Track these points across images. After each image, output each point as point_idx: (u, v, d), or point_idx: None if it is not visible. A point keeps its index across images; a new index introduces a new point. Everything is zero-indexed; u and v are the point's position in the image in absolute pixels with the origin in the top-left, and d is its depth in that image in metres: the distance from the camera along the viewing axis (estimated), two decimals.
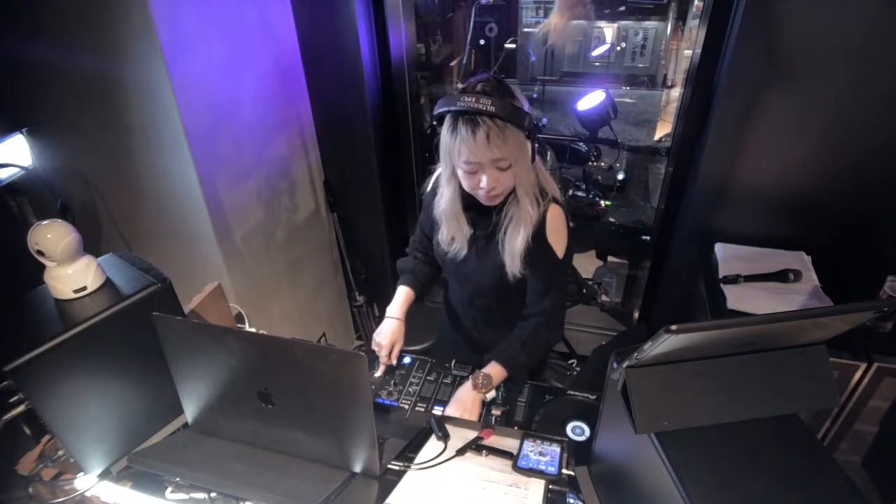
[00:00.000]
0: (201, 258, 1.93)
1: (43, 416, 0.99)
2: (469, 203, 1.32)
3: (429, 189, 1.45)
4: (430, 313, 1.72)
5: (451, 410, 1.27)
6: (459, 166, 1.20)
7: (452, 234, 1.35)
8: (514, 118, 1.12)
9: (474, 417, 1.27)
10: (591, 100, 2.39)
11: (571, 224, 1.35)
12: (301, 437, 1.05)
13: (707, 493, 0.71)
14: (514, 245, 1.26)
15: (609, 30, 3.02)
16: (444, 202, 1.32)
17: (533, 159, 1.22)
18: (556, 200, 1.31)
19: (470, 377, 1.32)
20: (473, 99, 1.10)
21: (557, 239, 1.30)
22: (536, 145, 1.23)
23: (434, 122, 1.21)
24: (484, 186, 1.19)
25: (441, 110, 1.16)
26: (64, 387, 1.00)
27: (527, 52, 3.20)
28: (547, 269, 1.31)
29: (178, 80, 1.59)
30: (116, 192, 1.91)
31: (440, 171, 1.38)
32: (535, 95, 3.21)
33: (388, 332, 1.43)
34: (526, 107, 1.19)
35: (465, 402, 1.28)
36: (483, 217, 1.33)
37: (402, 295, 1.50)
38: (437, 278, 1.57)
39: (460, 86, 2.97)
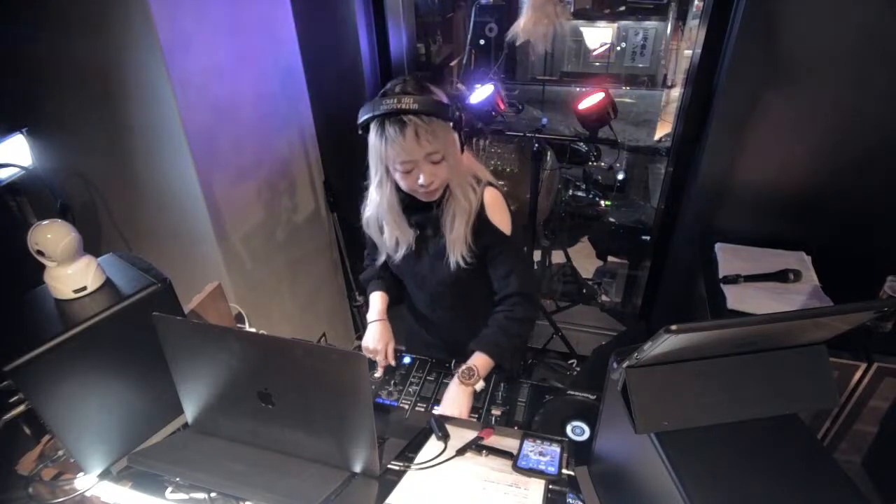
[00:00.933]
0: (201, 258, 1.93)
1: (43, 416, 0.99)
2: (409, 205, 1.33)
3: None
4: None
5: (443, 410, 1.28)
6: (395, 168, 1.22)
7: (396, 237, 1.36)
8: (438, 111, 1.15)
9: (465, 412, 1.26)
10: (591, 100, 2.39)
11: (513, 208, 1.38)
12: (301, 437, 1.05)
13: (707, 493, 0.71)
14: (454, 235, 1.29)
15: (609, 30, 3.02)
16: (375, 207, 1.33)
17: (462, 149, 1.25)
18: (490, 184, 1.34)
19: (456, 374, 1.32)
20: (395, 100, 1.13)
21: (500, 218, 1.32)
22: (463, 135, 1.25)
23: (360, 131, 1.23)
24: (422, 182, 1.21)
25: (365, 117, 1.18)
26: (64, 387, 1.00)
27: (527, 52, 3.20)
28: (500, 250, 1.33)
29: (178, 80, 1.59)
30: (116, 192, 1.91)
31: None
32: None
33: (376, 335, 1.43)
34: (445, 100, 1.21)
35: (450, 397, 1.29)
36: (426, 216, 1.34)
37: (378, 299, 1.50)
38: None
39: (460, 86, 2.95)
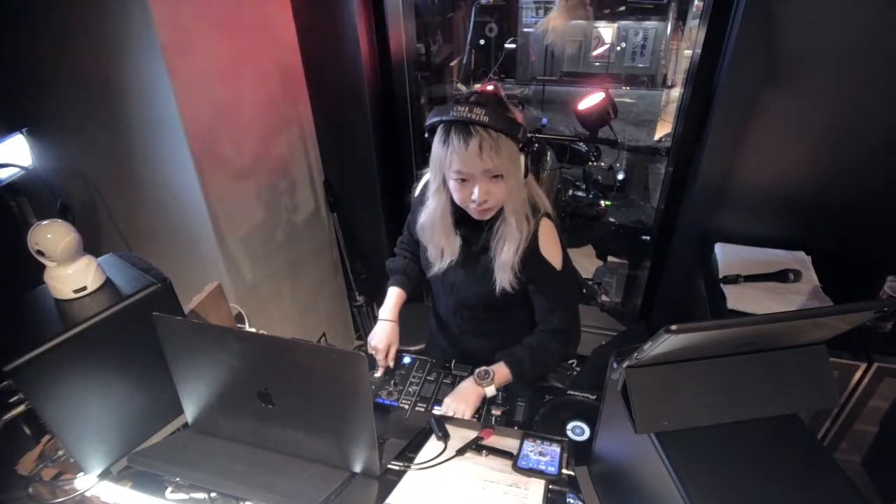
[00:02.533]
0: (201, 258, 1.94)
1: (43, 416, 0.99)
2: (460, 218, 1.31)
3: (416, 194, 1.44)
4: (424, 313, 1.72)
5: (448, 400, 1.29)
6: (451, 177, 1.19)
7: (441, 249, 1.34)
8: (508, 129, 1.11)
9: (469, 407, 1.26)
10: (591, 100, 2.40)
11: (565, 250, 1.34)
12: (301, 437, 1.05)
13: (707, 493, 0.71)
14: (503, 260, 1.26)
15: (609, 30, 3.02)
16: (429, 215, 1.30)
17: (526, 174, 1.20)
18: (547, 215, 1.30)
19: (473, 373, 1.32)
20: (467, 109, 1.09)
21: (552, 252, 1.29)
22: (529, 160, 1.20)
23: (426, 134, 1.20)
24: (475, 198, 1.18)
25: (433, 120, 1.16)
26: (64, 387, 1.00)
27: (527, 52, 3.20)
28: (548, 283, 1.30)
29: (178, 80, 1.59)
30: (116, 192, 1.91)
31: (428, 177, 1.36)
32: (527, 92, 3.21)
33: (382, 335, 1.43)
34: (519, 114, 1.17)
35: (461, 391, 1.29)
36: (474, 232, 1.32)
37: (394, 296, 1.49)
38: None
39: (460, 86, 2.95)
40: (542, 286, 1.30)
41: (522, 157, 1.17)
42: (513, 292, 1.29)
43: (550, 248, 1.29)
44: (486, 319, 1.44)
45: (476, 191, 1.17)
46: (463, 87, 2.98)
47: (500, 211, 1.25)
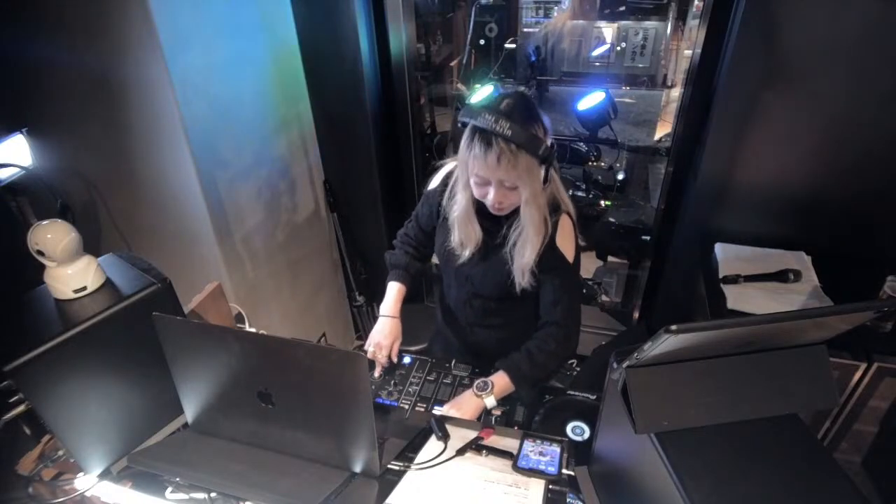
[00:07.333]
0: (201, 258, 1.94)
1: (43, 416, 0.99)
2: (480, 209, 1.33)
3: (432, 186, 1.45)
4: (428, 313, 1.72)
5: (446, 408, 1.29)
6: (471, 177, 1.23)
7: (463, 239, 1.36)
8: (528, 146, 1.13)
9: (466, 416, 1.26)
10: (591, 100, 2.40)
11: (582, 243, 1.36)
12: (301, 437, 1.05)
13: (707, 493, 0.71)
14: (522, 261, 1.28)
15: (609, 30, 3.02)
16: (458, 208, 1.33)
17: (545, 182, 1.23)
18: (568, 214, 1.33)
19: (473, 384, 1.31)
20: (493, 119, 1.12)
21: (567, 246, 1.31)
22: (551, 169, 1.23)
23: (458, 124, 1.24)
24: (490, 202, 1.23)
25: (463, 119, 1.19)
26: (64, 387, 1.00)
27: (527, 52, 3.20)
28: (558, 275, 1.32)
29: (178, 80, 1.59)
30: (116, 192, 1.91)
31: (449, 168, 1.39)
32: (531, 91, 3.21)
33: (386, 331, 1.43)
34: (547, 124, 1.20)
35: (459, 402, 1.29)
36: (494, 224, 1.33)
37: (395, 292, 1.50)
38: (426, 271, 1.57)
39: (460, 86, 2.95)
40: (551, 276, 1.32)
41: (542, 168, 1.19)
42: (528, 288, 1.32)
43: (565, 242, 1.31)
44: (496, 311, 1.45)
45: (491, 193, 1.21)
46: (463, 87, 2.98)
47: (519, 209, 1.27)
